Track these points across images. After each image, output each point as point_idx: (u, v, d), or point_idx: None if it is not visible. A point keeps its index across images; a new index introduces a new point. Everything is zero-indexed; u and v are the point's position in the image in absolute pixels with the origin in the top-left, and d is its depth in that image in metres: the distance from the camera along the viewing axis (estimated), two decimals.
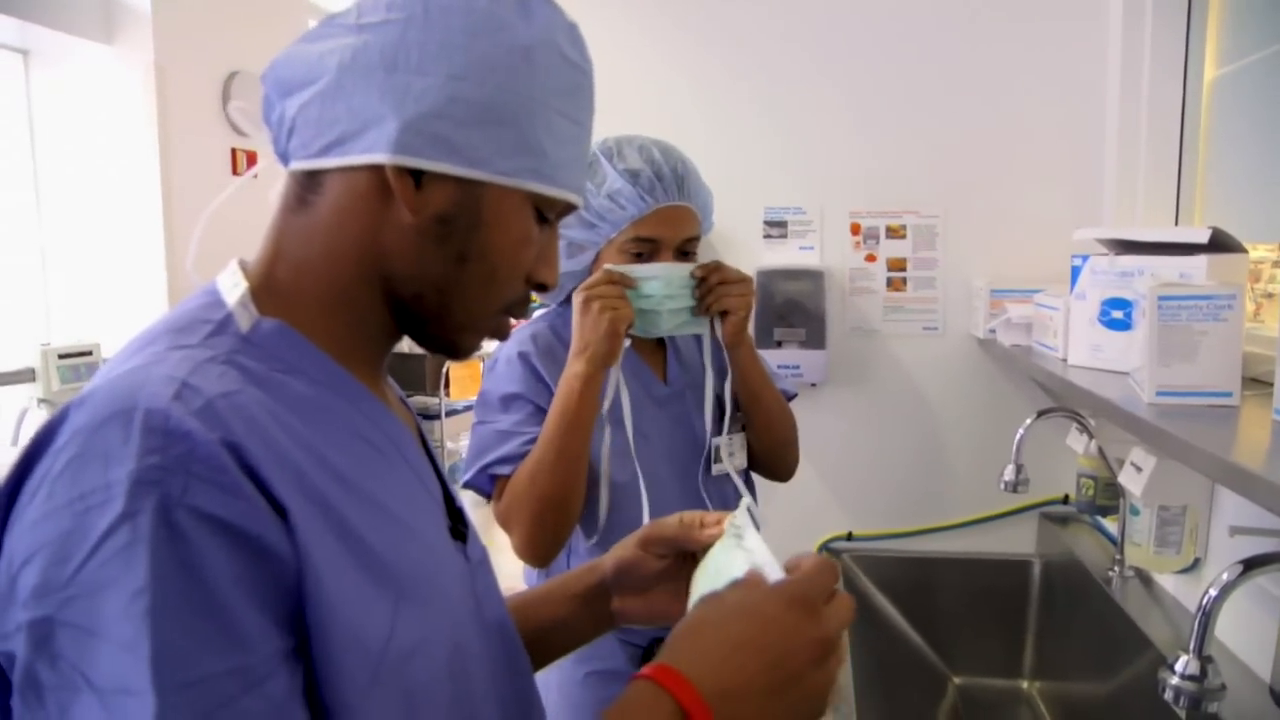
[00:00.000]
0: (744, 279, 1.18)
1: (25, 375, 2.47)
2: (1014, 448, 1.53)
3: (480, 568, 0.68)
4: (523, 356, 1.21)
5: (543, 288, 0.64)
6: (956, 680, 1.84)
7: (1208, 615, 0.84)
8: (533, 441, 1.14)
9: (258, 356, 0.54)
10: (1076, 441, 1.62)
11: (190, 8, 2.74)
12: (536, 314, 1.31)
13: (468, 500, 0.79)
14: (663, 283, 1.13)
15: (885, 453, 1.92)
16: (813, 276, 1.85)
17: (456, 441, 4.06)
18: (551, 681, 1.22)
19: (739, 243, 1.90)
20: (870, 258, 1.89)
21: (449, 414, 3.94)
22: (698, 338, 1.29)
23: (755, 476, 1.35)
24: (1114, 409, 1.10)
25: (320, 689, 0.49)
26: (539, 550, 1.15)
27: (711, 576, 0.62)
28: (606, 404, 1.17)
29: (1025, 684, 1.82)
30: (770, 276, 1.85)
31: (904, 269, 1.88)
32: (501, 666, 0.65)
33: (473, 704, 0.59)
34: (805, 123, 1.87)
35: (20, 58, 2.66)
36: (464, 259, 0.59)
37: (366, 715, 0.50)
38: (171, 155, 2.67)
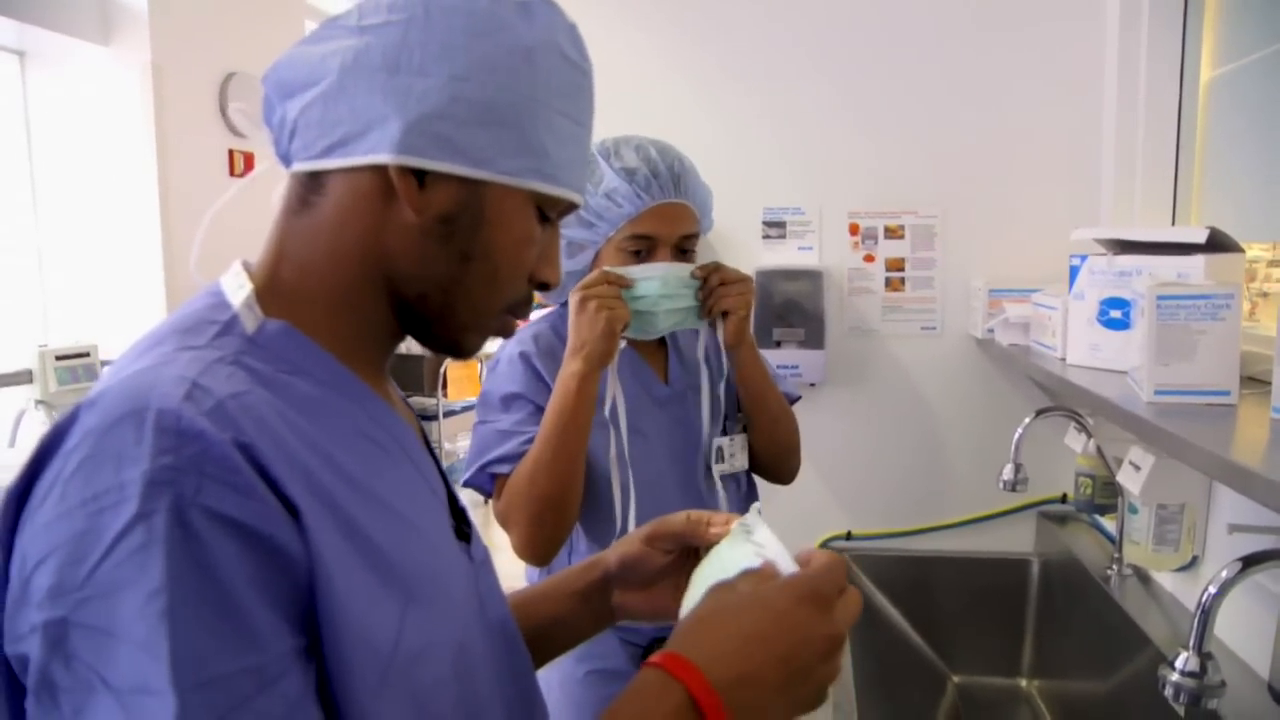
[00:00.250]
0: (743, 279, 1.18)
1: (23, 377, 2.47)
2: (1012, 447, 1.54)
3: (483, 568, 0.68)
4: (524, 356, 1.22)
5: (545, 286, 0.65)
6: (956, 679, 1.85)
7: (1207, 612, 0.84)
8: (532, 441, 1.14)
9: (263, 358, 0.55)
10: (1075, 440, 1.63)
11: (187, 9, 2.74)
12: (536, 314, 1.31)
13: (467, 499, 0.79)
14: (660, 282, 1.14)
15: (884, 452, 1.92)
16: (811, 277, 1.85)
17: (454, 442, 4.06)
18: (553, 680, 1.22)
19: (738, 243, 1.90)
20: (869, 258, 1.89)
21: (447, 415, 3.94)
22: (697, 336, 1.30)
23: (756, 478, 1.35)
24: (1113, 408, 1.11)
25: (331, 689, 0.49)
26: (538, 550, 1.15)
27: (719, 569, 0.62)
28: (607, 406, 1.17)
29: (1024, 682, 1.83)
30: (769, 277, 1.85)
31: (902, 269, 1.89)
32: (505, 667, 0.65)
33: (477, 704, 0.60)
34: (804, 123, 1.88)
35: (17, 59, 2.65)
36: (467, 258, 0.59)
37: (376, 716, 0.50)
38: (169, 156, 2.67)
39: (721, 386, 1.27)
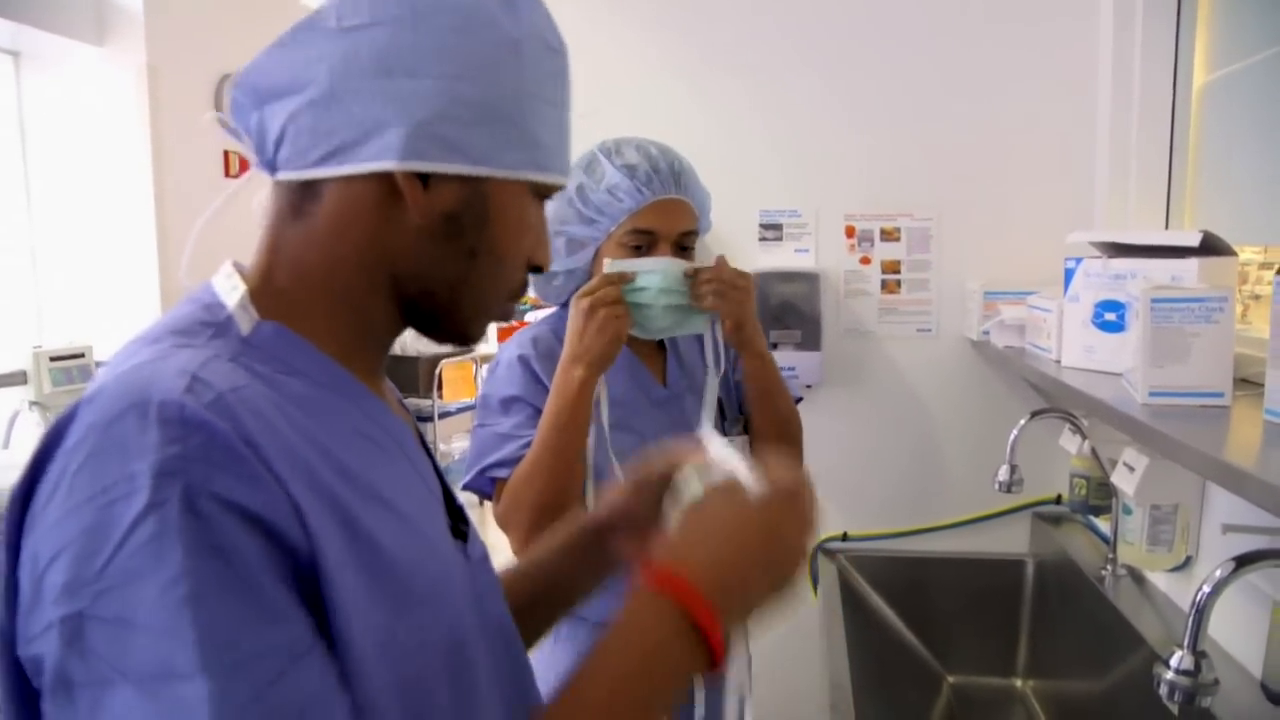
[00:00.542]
0: (739, 280, 1.18)
1: (17, 378, 2.46)
2: (1008, 448, 1.55)
3: (480, 566, 0.68)
4: (523, 360, 1.22)
5: (539, 269, 0.66)
6: (951, 679, 1.85)
7: (1201, 611, 0.85)
8: (531, 444, 1.14)
9: (259, 358, 0.55)
10: (1069, 442, 1.64)
11: (182, 10, 2.74)
12: (531, 316, 1.32)
13: (464, 498, 0.79)
14: (660, 276, 1.14)
15: (880, 453, 1.93)
16: (808, 279, 1.86)
17: (450, 444, 4.06)
18: (561, 632, 1.20)
19: (735, 245, 1.91)
20: (865, 260, 1.90)
21: (442, 416, 3.94)
22: (699, 339, 1.30)
23: None
24: (1107, 409, 1.12)
25: None
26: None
27: (689, 490, 0.65)
28: (605, 411, 1.18)
29: (1019, 682, 1.84)
30: (766, 279, 1.86)
31: (898, 271, 1.90)
32: (503, 666, 0.66)
33: (474, 702, 0.60)
34: (801, 126, 1.89)
35: (11, 60, 2.65)
36: (473, 254, 0.60)
37: (371, 712, 0.50)
38: (164, 157, 2.67)
39: (720, 387, 1.27)
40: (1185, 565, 1.38)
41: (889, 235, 1.89)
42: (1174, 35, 1.63)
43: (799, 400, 1.36)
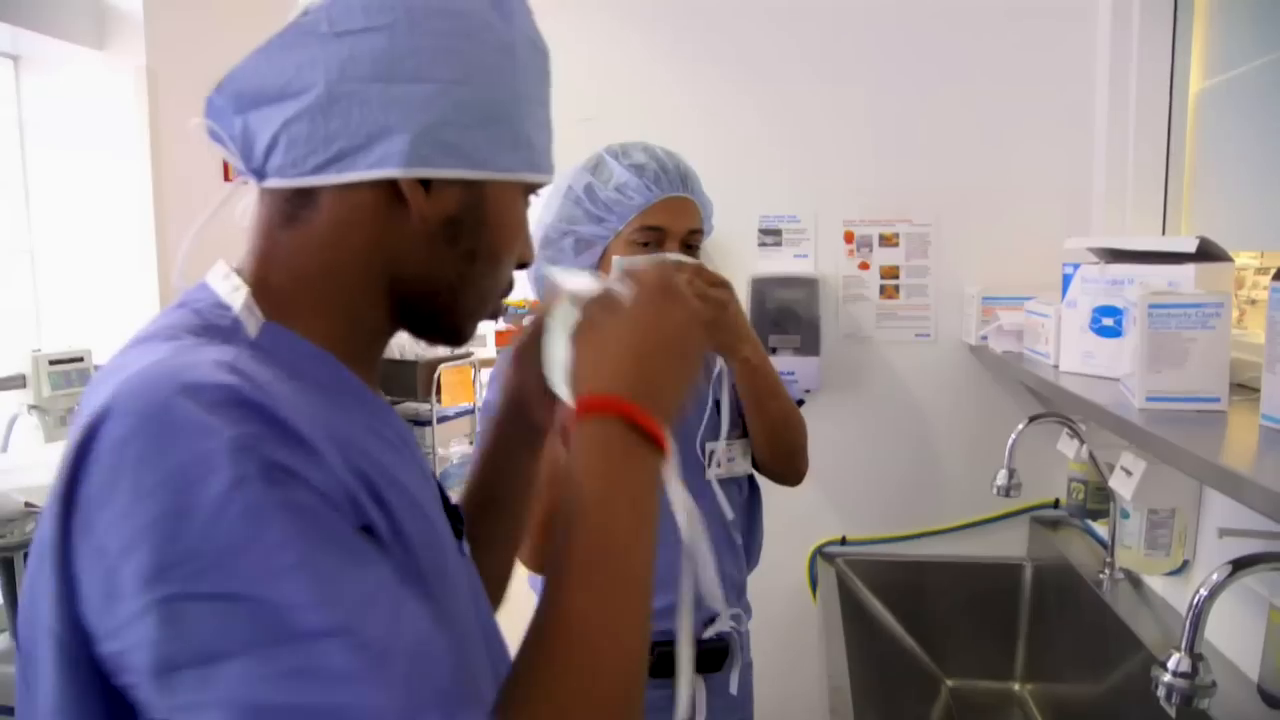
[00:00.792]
0: (712, 288, 1.16)
1: (16, 381, 2.46)
2: (1006, 452, 1.55)
3: (474, 567, 0.69)
4: None
5: (524, 265, 0.67)
6: (949, 683, 1.86)
7: (1198, 614, 0.86)
8: None
9: (267, 361, 0.54)
10: (1067, 446, 1.65)
11: (182, 13, 2.74)
12: (527, 320, 1.32)
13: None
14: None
15: (878, 458, 1.94)
16: (807, 284, 1.87)
17: (448, 448, 4.06)
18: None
19: (734, 250, 1.92)
20: (864, 265, 1.91)
21: (441, 420, 3.94)
22: None
23: (761, 479, 1.35)
24: (1105, 414, 1.13)
25: None
26: (544, 557, 1.16)
27: (561, 323, 0.65)
28: None
29: (1017, 686, 1.84)
30: (765, 284, 1.87)
31: (897, 276, 1.91)
32: (492, 669, 0.66)
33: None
34: (800, 132, 1.90)
35: (11, 63, 2.65)
36: (473, 256, 0.60)
37: None
38: (163, 161, 2.67)
39: (715, 390, 1.28)
40: (1182, 569, 1.39)
41: (888, 241, 1.90)
42: (1170, 42, 1.64)
43: (800, 404, 1.36)
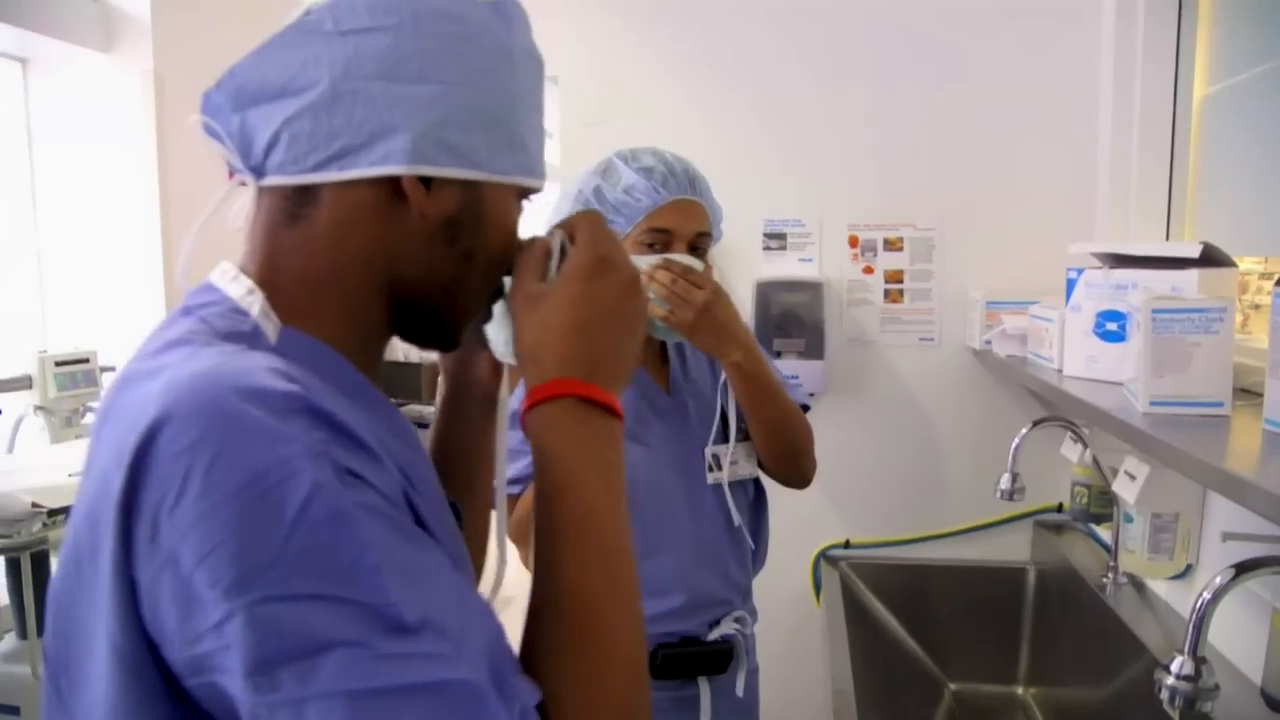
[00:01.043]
0: (695, 290, 1.14)
1: (22, 382, 2.47)
2: (1009, 457, 1.56)
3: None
4: None
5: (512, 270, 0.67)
6: (953, 686, 1.86)
7: (1202, 617, 0.86)
8: None
9: (296, 366, 0.54)
10: (1071, 451, 1.65)
11: (189, 17, 2.75)
12: None
13: None
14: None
15: (882, 461, 1.94)
16: (811, 288, 1.88)
17: None
18: None
19: (739, 254, 1.93)
20: (868, 270, 1.92)
21: None
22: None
23: (768, 481, 1.35)
24: (1109, 418, 1.13)
25: None
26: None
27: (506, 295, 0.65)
28: None
29: (1020, 689, 1.85)
30: (770, 288, 1.88)
31: (901, 281, 1.91)
32: None
33: None
34: (805, 136, 1.91)
35: (19, 66, 2.66)
36: (470, 257, 0.61)
37: None
38: (170, 164, 2.68)
39: (721, 394, 1.28)
40: (1186, 573, 1.39)
41: (892, 245, 1.91)
42: (1175, 48, 1.65)
43: (806, 409, 1.35)
